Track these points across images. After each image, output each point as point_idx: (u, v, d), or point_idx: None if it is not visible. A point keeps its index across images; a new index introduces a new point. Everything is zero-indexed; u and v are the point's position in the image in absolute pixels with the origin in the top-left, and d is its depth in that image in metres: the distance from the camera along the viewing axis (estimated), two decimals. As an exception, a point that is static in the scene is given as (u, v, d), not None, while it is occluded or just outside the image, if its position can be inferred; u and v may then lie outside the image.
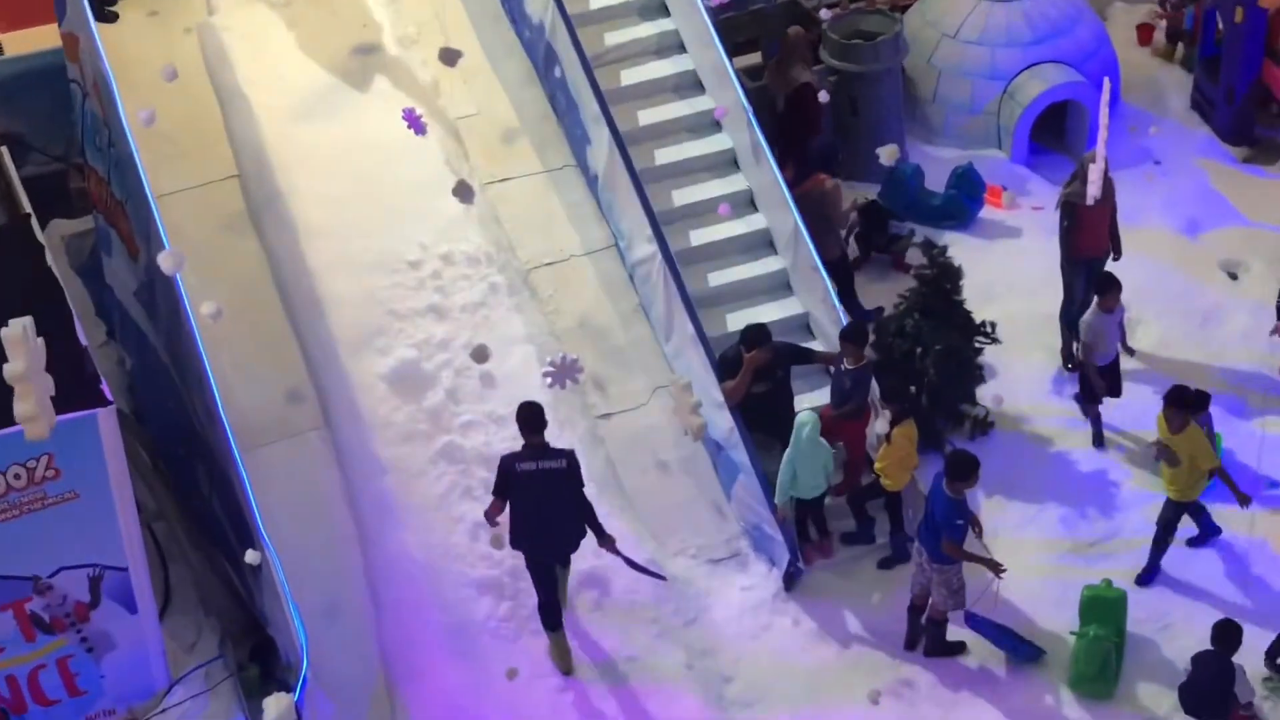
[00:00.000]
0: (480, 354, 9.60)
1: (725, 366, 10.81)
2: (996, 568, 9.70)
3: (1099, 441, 11.24)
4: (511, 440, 10.11)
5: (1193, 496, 10.16)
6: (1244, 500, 9.97)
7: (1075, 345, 11.31)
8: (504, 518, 9.64)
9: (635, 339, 11.69)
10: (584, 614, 10.32)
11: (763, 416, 10.79)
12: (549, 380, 9.19)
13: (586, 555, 10.04)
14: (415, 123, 9.09)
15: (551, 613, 9.86)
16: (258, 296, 11.56)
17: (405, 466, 10.80)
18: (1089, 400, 11.17)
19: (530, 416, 9.56)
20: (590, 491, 9.95)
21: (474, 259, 11.75)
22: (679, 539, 10.86)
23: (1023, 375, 11.82)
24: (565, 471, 9.53)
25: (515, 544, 9.70)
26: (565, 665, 9.98)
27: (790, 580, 10.58)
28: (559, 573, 10.04)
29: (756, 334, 10.61)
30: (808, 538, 10.71)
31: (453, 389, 10.95)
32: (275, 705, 7.95)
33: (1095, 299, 10.92)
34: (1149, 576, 10.37)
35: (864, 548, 10.80)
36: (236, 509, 9.84)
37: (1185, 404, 9.82)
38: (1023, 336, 11.93)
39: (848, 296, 11.92)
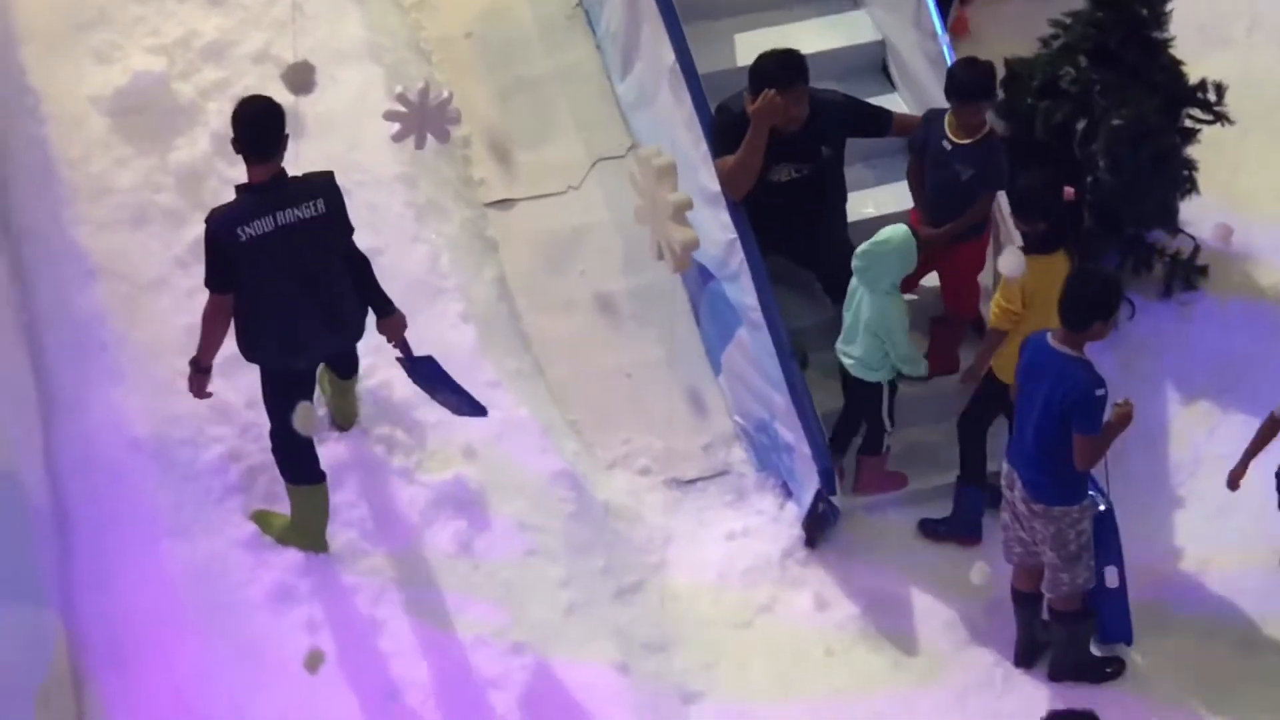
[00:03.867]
0: (298, 76, 9.55)
1: (725, 128, 10.65)
2: (1125, 418, 9.53)
3: None
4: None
5: None
6: None
7: None
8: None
9: (565, 67, 12.03)
10: (441, 572, 10.22)
11: (790, 225, 10.74)
12: (394, 129, 9.47)
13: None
14: None
15: (309, 456, 10.03)
16: None
17: (132, 269, 10.80)
18: None
19: (257, 122, 9.70)
20: (466, 343, 10.43)
21: (280, -112, 11.80)
22: (620, 439, 11.00)
23: (1271, 186, 11.78)
24: (327, 215, 9.76)
25: (250, 354, 9.98)
26: (319, 538, 10.18)
27: (818, 527, 10.56)
28: (333, 386, 10.41)
29: (779, 66, 10.47)
30: (844, 448, 10.71)
31: (229, 132, 10.36)
32: None
33: None
34: None
35: (940, 476, 10.76)
36: None
37: None
38: (1274, 114, 11.86)
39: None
